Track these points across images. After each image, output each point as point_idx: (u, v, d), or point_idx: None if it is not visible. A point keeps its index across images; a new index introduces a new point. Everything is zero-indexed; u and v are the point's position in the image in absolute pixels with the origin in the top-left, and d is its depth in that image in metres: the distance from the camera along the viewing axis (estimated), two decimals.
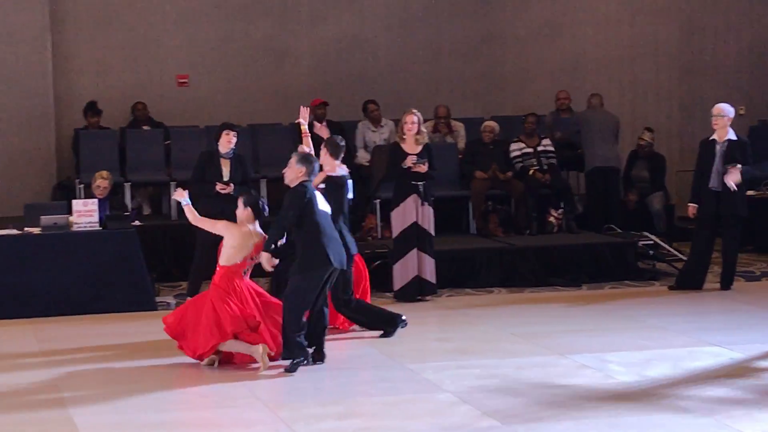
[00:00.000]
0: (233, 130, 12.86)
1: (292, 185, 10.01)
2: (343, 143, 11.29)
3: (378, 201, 15.04)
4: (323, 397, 9.18)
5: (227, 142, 12.80)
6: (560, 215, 15.26)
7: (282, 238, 10.06)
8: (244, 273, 10.13)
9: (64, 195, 15.31)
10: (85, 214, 12.81)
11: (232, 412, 8.79)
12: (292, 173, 10.01)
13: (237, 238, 10.05)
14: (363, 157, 16.24)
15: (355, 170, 15.99)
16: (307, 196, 9.90)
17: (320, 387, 9.46)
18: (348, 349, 10.68)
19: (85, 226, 12.78)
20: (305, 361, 9.87)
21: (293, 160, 10.07)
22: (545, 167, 15.51)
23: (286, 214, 9.93)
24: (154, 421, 8.51)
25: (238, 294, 9.98)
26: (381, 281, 13.43)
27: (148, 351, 10.59)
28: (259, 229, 10.17)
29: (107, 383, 9.63)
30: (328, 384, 9.56)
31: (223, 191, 12.65)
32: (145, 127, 16.53)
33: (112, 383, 9.62)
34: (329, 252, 9.90)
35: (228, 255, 10.08)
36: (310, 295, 9.92)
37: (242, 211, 10.15)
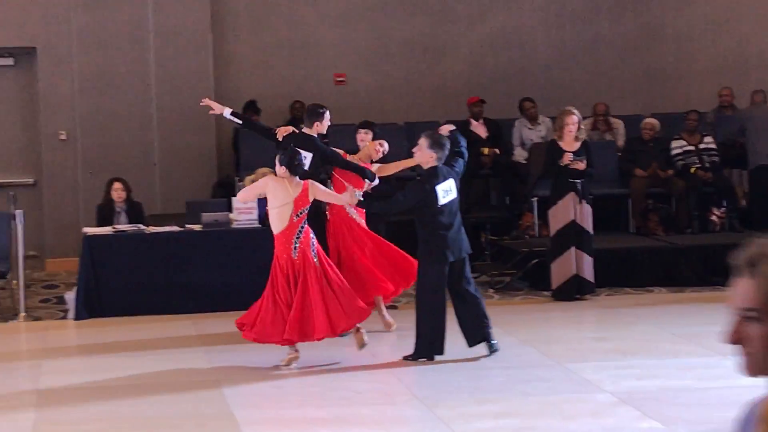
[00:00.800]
0: (365, 129, 12.90)
1: (425, 167, 10.06)
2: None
3: (535, 199, 14.92)
4: (481, 395, 9.12)
5: (360, 141, 12.84)
6: (723, 214, 14.95)
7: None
8: (299, 234, 10.07)
9: (224, 192, 15.53)
10: (245, 211, 12.96)
11: (390, 410, 8.80)
12: (424, 156, 10.02)
13: (278, 198, 10.00)
14: (520, 154, 16.13)
15: (512, 168, 15.93)
16: (426, 188, 9.88)
17: (478, 385, 9.41)
18: (506, 347, 10.61)
19: (245, 223, 12.94)
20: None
21: (425, 142, 10.04)
22: (707, 165, 15.22)
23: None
24: (313, 417, 8.56)
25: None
26: (538, 280, 13.32)
27: (306, 347, 10.65)
28: (298, 182, 10.09)
29: (266, 378, 9.72)
30: (486, 383, 9.50)
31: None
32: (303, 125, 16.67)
33: (270, 378, 9.71)
34: (447, 244, 9.89)
35: (273, 221, 10.08)
36: (438, 289, 9.93)
37: (279, 169, 10.15)
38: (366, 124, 12.73)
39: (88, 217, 14.68)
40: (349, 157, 11.36)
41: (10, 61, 16.39)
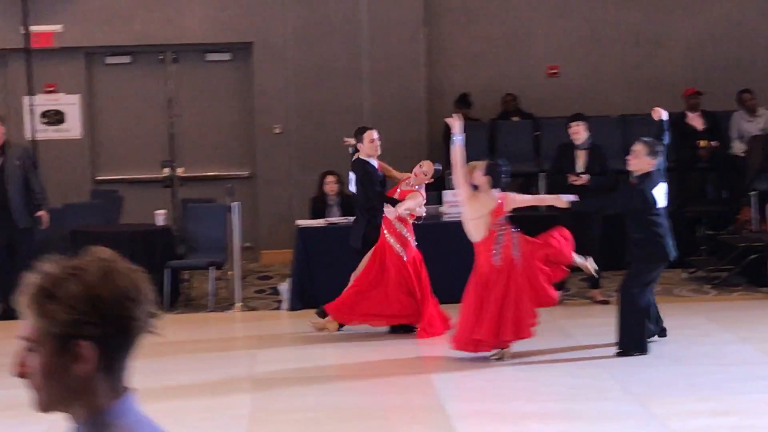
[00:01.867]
0: (577, 121, 12.69)
1: (637, 174, 10.01)
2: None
3: (754, 193, 14.47)
4: (696, 392, 8.90)
5: (574, 134, 12.65)
6: None
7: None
8: (498, 239, 9.95)
9: (434, 185, 15.53)
10: (455, 204, 12.94)
11: (602, 405, 8.65)
12: (641, 163, 9.93)
13: (475, 210, 9.93)
14: (738, 147, 15.70)
15: (730, 161, 15.51)
16: (644, 192, 9.88)
17: (693, 382, 9.18)
18: (723, 344, 10.32)
19: (455, 216, 12.91)
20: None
21: (643, 150, 9.93)
22: None
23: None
24: (524, 411, 8.48)
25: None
26: (757, 276, 12.93)
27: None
28: (495, 194, 9.99)
29: (477, 371, 9.68)
30: (701, 380, 9.26)
31: (576, 183, 12.50)
32: (514, 118, 16.58)
33: (481, 371, 9.66)
34: (668, 245, 9.93)
35: (472, 232, 10.04)
36: (649, 288, 10.02)
37: (480, 179, 10.02)
38: (578, 117, 12.57)
39: (301, 209, 14.89)
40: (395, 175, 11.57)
41: (227, 56, 16.77)
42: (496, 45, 16.91)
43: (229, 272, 13.43)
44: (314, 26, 16.32)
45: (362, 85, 16.39)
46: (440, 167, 11.57)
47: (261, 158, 16.56)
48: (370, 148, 11.53)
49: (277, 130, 16.41)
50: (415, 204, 11.17)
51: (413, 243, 11.24)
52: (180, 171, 15.52)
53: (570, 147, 12.71)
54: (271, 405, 8.79)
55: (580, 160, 12.70)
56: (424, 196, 11.39)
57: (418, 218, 11.29)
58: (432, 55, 16.71)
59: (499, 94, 16.70)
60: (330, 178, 13.94)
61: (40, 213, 12.61)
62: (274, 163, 16.47)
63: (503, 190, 10.15)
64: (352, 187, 11.71)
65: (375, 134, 11.61)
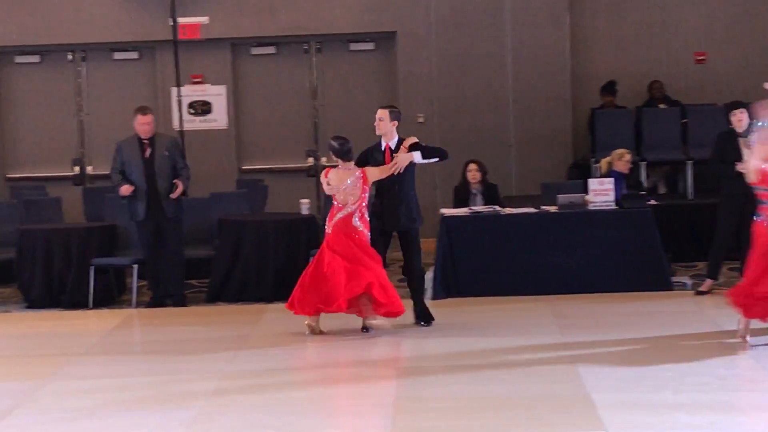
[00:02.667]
0: (740, 108, 12.39)
1: None
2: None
3: None
4: None
5: (737, 122, 12.34)
6: None
7: None
8: None
9: (579, 174, 15.41)
10: (601, 192, 12.81)
11: (754, 396, 8.47)
12: None
13: None
14: None
15: None
16: None
17: None
18: None
19: (601, 205, 12.78)
20: None
21: None
22: None
23: None
24: (672, 402, 8.32)
25: None
26: None
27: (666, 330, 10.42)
28: None
29: (623, 361, 9.54)
30: None
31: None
32: (661, 106, 16.33)
33: (628, 361, 9.53)
34: None
35: None
36: None
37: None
38: (738, 104, 12.29)
39: (444, 198, 14.87)
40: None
41: (370, 46, 16.82)
42: (642, 31, 16.67)
43: None
44: (457, 14, 16.27)
45: (506, 73, 16.30)
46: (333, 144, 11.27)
47: None
48: None
49: (421, 119, 16.40)
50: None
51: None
52: (324, 160, 15.64)
53: (732, 135, 12.41)
54: (416, 393, 8.78)
55: (745, 148, 12.40)
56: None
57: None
58: (576, 41, 16.53)
59: (645, 81, 16.45)
60: (472, 167, 13.88)
61: (176, 180, 12.75)
62: None
63: None
64: None
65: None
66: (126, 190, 12.69)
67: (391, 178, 11.09)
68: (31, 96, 16.96)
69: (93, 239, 13.22)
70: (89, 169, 16.70)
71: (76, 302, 12.99)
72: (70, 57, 16.95)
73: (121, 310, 12.92)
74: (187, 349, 10.67)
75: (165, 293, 12.93)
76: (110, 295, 13.30)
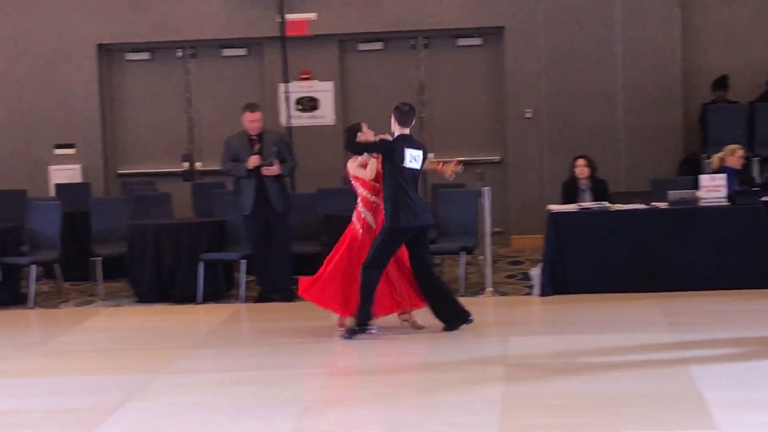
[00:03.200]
0: None
1: None
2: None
3: None
4: None
5: None
6: None
7: None
8: None
9: (690, 170, 15.19)
10: (712, 189, 12.62)
11: None
12: None
13: None
14: None
15: None
16: None
17: None
18: None
19: (713, 201, 12.59)
20: None
21: None
22: None
23: None
24: None
25: None
26: None
27: None
28: None
29: (736, 359, 9.38)
30: None
31: None
32: None
33: (741, 359, 9.37)
34: None
35: None
36: None
37: None
38: None
39: (552, 194, 14.76)
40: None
41: (478, 41, 16.74)
42: (756, 24, 16.36)
43: (479, 257, 13.41)
44: (566, 9, 16.14)
45: (615, 68, 16.13)
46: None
47: (511, 143, 16.49)
48: None
49: (528, 115, 16.31)
50: None
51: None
52: (430, 156, 15.57)
53: None
54: (524, 391, 8.71)
55: None
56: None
57: None
58: (687, 35, 16.29)
59: (758, 76, 16.16)
60: (581, 162, 13.75)
61: (276, 160, 12.81)
62: (525, 148, 16.38)
63: None
64: None
65: None
66: (255, 160, 12.73)
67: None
68: (142, 93, 17.16)
69: (202, 234, 13.33)
70: (198, 165, 16.83)
71: (185, 297, 13.12)
72: (179, 54, 17.11)
73: (229, 304, 13.02)
74: (295, 343, 10.70)
75: (273, 288, 13.00)
76: (219, 290, 13.40)
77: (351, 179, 11.06)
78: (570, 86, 16.20)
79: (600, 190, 13.56)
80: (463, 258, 13.00)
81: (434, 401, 8.45)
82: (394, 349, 10.38)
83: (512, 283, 13.57)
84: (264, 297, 13.05)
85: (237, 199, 12.95)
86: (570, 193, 13.64)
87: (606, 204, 12.98)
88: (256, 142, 12.88)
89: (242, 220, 13.02)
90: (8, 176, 16.63)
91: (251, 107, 13.01)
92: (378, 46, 16.95)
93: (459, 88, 16.78)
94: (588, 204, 13.13)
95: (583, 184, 13.66)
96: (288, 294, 12.98)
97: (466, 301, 11.23)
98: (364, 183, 10.96)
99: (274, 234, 12.94)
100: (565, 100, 16.22)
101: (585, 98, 16.14)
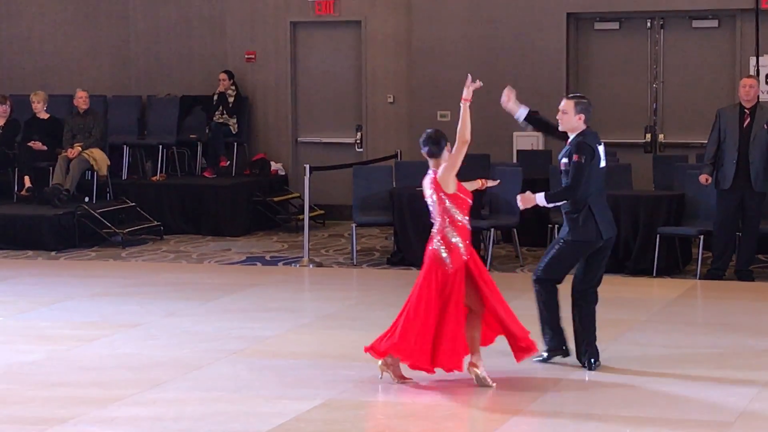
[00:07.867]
0: None
1: None
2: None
3: None
4: None
5: None
6: None
7: None
8: None
9: None
10: None
11: None
12: None
13: None
14: None
15: None
16: None
17: None
18: None
19: None
20: None
21: None
22: None
23: None
24: None
25: None
26: None
27: None
28: None
29: None
30: None
31: None
32: None
33: None
34: None
35: None
36: None
37: None
38: None
39: None
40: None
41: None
42: None
43: None
44: None
45: None
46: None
47: None
48: None
49: None
50: None
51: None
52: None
53: None
54: None
55: None
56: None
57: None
58: None
59: None
60: None
61: None
62: None
63: None
64: None
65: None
66: (705, 179, 12.68)
67: None
68: (609, 62, 17.15)
69: (660, 207, 13.21)
70: (661, 137, 16.67)
71: (641, 269, 13.05)
72: (648, 24, 16.96)
73: (684, 280, 12.83)
74: (751, 325, 10.44)
75: (724, 266, 12.71)
76: (675, 265, 13.23)
77: (441, 196, 8.62)
78: None
79: None
80: None
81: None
82: None
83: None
84: (713, 274, 12.78)
85: (716, 172, 12.72)
86: None
87: None
88: (748, 115, 12.68)
89: (718, 194, 12.75)
90: (476, 141, 17.04)
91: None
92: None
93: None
94: None
95: None
96: (748, 273, 12.66)
97: None
98: (463, 202, 8.71)
99: (746, 211, 12.66)
100: None
101: None
